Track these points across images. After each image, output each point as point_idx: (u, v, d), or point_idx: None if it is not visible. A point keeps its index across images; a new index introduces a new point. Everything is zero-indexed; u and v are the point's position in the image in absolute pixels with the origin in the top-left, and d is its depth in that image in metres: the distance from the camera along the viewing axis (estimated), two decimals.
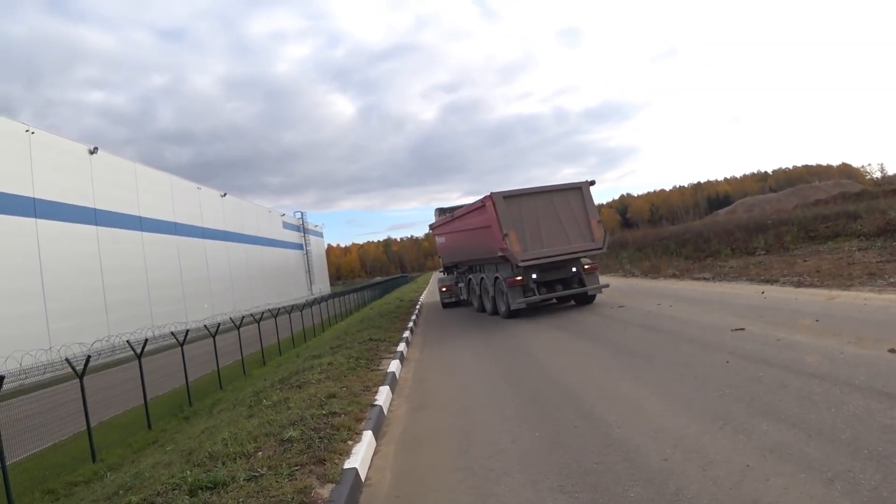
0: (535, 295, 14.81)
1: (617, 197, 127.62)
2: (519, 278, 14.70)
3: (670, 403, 5.91)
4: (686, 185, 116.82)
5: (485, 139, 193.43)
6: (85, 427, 10.06)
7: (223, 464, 5.55)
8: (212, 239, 39.23)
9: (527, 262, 14.10)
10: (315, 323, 28.35)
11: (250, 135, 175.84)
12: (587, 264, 15.27)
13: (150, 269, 30.76)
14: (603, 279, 16.82)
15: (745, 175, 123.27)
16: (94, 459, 9.98)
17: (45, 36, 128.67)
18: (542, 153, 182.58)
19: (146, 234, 30.84)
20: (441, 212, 22.95)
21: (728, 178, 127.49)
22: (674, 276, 20.09)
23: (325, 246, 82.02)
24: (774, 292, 12.51)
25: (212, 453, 6.00)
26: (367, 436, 6.19)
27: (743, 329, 8.97)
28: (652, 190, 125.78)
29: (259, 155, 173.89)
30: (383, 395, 7.97)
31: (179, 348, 14.17)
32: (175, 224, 34.14)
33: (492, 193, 14.49)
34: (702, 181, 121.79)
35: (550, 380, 7.86)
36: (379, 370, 9.79)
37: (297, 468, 5.29)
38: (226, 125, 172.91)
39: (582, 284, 15.20)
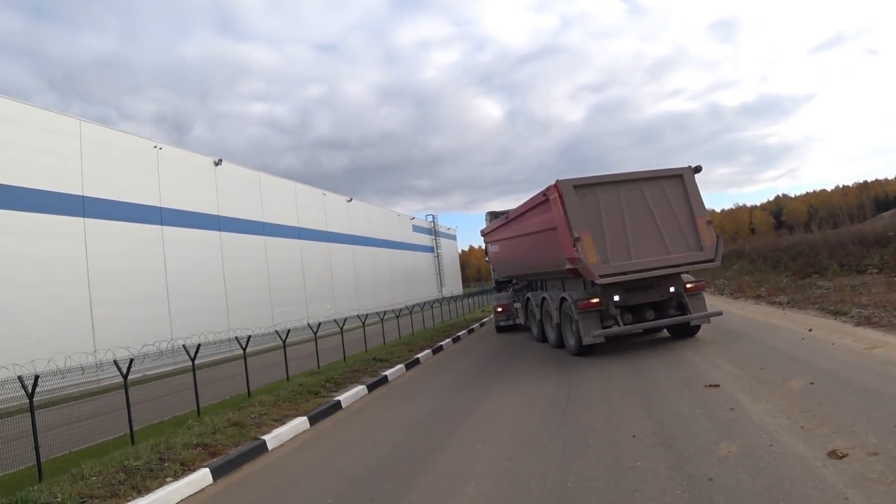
0: (616, 325, 10.74)
1: (772, 198, 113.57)
2: (595, 300, 10.77)
3: (482, 497, 4.91)
4: (851, 185, 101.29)
5: (632, 140, 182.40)
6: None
7: (59, 485, 5.86)
8: (336, 242, 41.39)
9: (607, 279, 10.20)
10: (416, 330, 28.34)
11: (400, 140, 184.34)
12: (690, 282, 11.28)
13: (272, 273, 33.00)
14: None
15: None
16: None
17: (215, 55, 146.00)
18: (692, 153, 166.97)
19: (269, 239, 33.22)
20: (494, 216, 19.24)
21: None
22: (757, 296, 17.39)
23: (458, 248, 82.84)
24: (824, 331, 10.41)
25: (81, 472, 6.27)
26: (200, 474, 6.17)
27: (718, 386, 7.51)
28: (812, 190, 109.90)
29: (408, 159, 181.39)
30: (287, 428, 7.92)
31: (301, 345, 13.91)
32: (299, 229, 36.42)
33: (558, 181, 10.74)
34: (868, 180, 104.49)
35: (440, 432, 7.16)
36: (326, 398, 9.63)
37: (87, 499, 5.34)
38: (377, 132, 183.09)
39: (683, 311, 11.08)
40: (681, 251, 10.64)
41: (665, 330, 12.12)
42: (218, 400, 11.13)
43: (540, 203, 11.80)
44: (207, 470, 6.19)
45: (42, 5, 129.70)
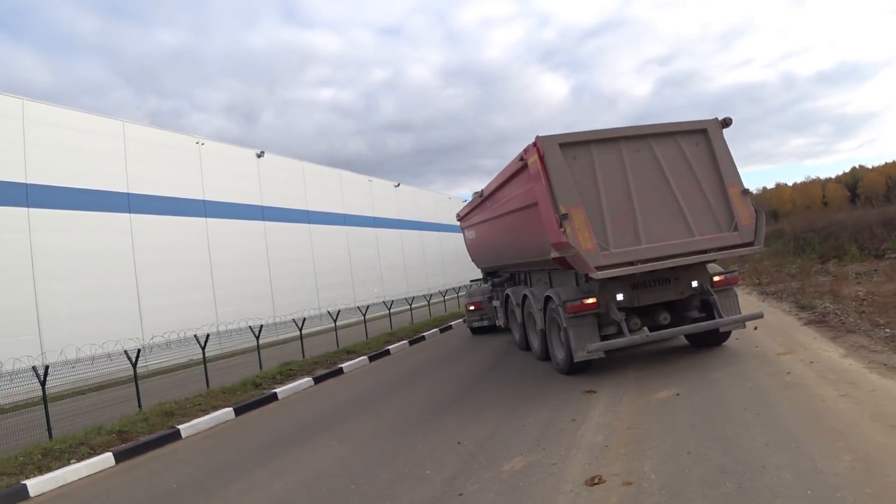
0: (620, 333, 8.31)
1: (848, 169, 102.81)
2: (590, 301, 8.24)
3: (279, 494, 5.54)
4: None
5: (702, 112, 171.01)
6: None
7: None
8: (384, 227, 42.39)
9: (607, 271, 7.63)
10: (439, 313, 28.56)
11: (465, 120, 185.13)
12: (719, 275, 8.77)
13: (318, 259, 34.39)
14: None
15: None
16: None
17: (281, 44, 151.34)
18: (765, 124, 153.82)
19: (314, 227, 34.65)
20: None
21: None
22: (757, 283, 16.78)
23: None
24: (767, 329, 10.13)
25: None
26: (103, 457, 7.21)
27: (594, 392, 7.58)
28: (892, 160, 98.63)
29: (473, 139, 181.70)
30: (208, 418, 8.85)
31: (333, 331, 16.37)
32: (344, 215, 37.75)
33: (538, 138, 8.12)
34: None
35: (318, 426, 7.90)
36: (267, 389, 10.25)
37: None
38: (441, 112, 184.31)
39: (709, 313, 8.70)
40: (709, 232, 8.09)
41: (683, 336, 9.38)
42: (239, 380, 11.42)
43: (517, 171, 9.15)
44: (111, 454, 7.26)
45: (116, 4, 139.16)
